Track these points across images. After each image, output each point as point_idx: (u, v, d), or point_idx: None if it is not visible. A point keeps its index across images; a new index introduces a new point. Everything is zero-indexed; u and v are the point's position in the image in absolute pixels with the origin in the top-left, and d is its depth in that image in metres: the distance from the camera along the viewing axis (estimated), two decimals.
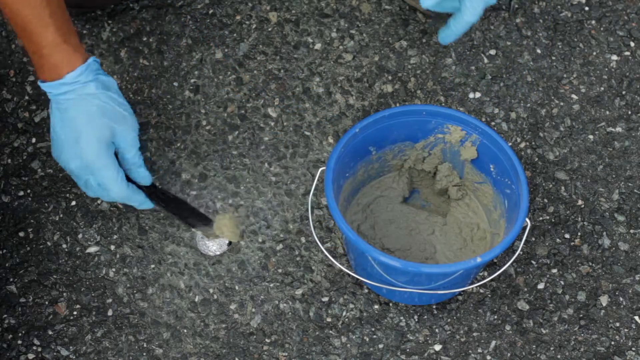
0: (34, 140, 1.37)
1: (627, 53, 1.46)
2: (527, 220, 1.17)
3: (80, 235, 1.31)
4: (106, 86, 1.22)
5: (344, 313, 1.27)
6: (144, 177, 1.26)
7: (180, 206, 1.30)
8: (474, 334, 1.26)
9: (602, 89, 1.43)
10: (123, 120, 1.22)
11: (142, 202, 1.26)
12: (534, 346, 1.25)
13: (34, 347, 1.24)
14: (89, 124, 1.19)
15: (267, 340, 1.25)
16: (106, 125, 1.20)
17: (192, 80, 1.42)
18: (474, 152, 1.25)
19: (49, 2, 1.16)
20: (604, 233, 1.32)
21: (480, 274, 1.29)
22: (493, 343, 1.25)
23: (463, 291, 1.28)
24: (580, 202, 1.34)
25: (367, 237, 1.29)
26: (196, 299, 1.27)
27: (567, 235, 1.32)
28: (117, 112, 1.22)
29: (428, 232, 1.30)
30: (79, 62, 1.19)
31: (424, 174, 1.31)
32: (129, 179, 1.25)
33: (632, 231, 1.32)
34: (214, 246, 1.29)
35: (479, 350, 1.24)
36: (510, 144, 1.38)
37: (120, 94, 1.23)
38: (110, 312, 1.26)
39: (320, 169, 1.25)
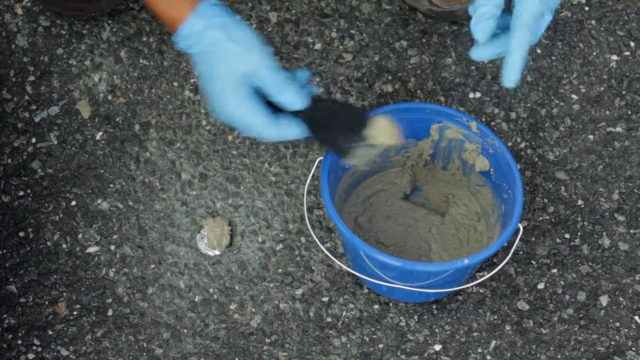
0: (34, 140, 1.37)
1: (627, 53, 1.46)
2: (520, 225, 1.17)
3: (80, 235, 1.31)
4: (223, 27, 1.09)
5: (344, 313, 1.27)
6: (294, 101, 1.11)
7: (337, 114, 1.15)
8: (474, 334, 1.26)
9: (602, 89, 1.43)
10: (250, 55, 1.09)
11: (298, 133, 1.11)
12: (534, 346, 1.25)
13: (34, 347, 1.24)
14: (217, 77, 1.09)
15: (267, 340, 1.25)
16: (236, 71, 1.09)
17: (192, 80, 1.42)
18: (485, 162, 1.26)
19: None
20: (604, 233, 1.32)
21: (480, 273, 1.29)
22: (493, 343, 1.25)
23: (463, 291, 1.28)
24: (580, 202, 1.34)
25: (364, 229, 1.29)
26: (196, 299, 1.27)
27: (567, 235, 1.32)
28: (241, 49, 1.09)
29: (425, 229, 1.30)
30: (188, 9, 1.09)
31: (427, 170, 1.32)
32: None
33: (632, 231, 1.32)
34: (213, 244, 1.30)
35: (479, 350, 1.25)
36: (510, 144, 1.38)
37: (238, 23, 1.11)
38: (110, 312, 1.26)
39: (318, 159, 1.25)
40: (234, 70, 1.09)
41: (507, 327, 1.26)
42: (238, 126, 1.11)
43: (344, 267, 1.23)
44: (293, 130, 1.11)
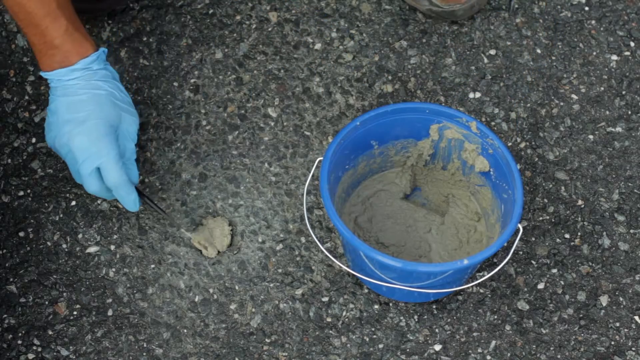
0: (34, 140, 1.37)
1: (627, 53, 1.46)
2: (520, 226, 1.18)
3: (80, 235, 1.31)
4: (114, 77, 1.25)
5: (344, 313, 1.27)
6: (135, 174, 1.27)
7: (161, 214, 1.30)
8: (474, 334, 1.26)
9: (602, 89, 1.43)
10: (128, 110, 1.24)
11: (133, 197, 1.24)
12: (534, 346, 1.25)
13: (34, 347, 1.24)
14: (99, 106, 1.21)
15: (267, 340, 1.25)
16: (115, 111, 1.22)
17: (192, 80, 1.42)
18: (484, 162, 1.25)
19: None
20: (604, 233, 1.32)
21: (480, 273, 1.29)
22: (493, 343, 1.25)
23: (463, 291, 1.28)
24: (580, 202, 1.34)
25: (364, 229, 1.29)
26: (196, 299, 1.27)
27: (567, 235, 1.32)
28: (124, 102, 1.24)
29: (425, 230, 1.30)
30: (91, 49, 1.22)
31: (427, 170, 1.32)
32: None
33: (632, 231, 1.32)
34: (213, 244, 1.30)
35: (479, 350, 1.24)
36: (510, 144, 1.38)
37: (123, 87, 1.27)
38: (110, 312, 1.26)
39: (318, 159, 1.25)
40: (115, 114, 1.22)
41: (507, 327, 1.26)
42: (86, 154, 1.19)
43: (344, 267, 1.23)
44: (131, 191, 1.23)
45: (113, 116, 1.22)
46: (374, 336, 1.25)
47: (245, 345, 1.25)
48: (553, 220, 1.33)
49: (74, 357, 1.23)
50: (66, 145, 1.21)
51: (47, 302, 1.27)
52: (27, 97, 1.40)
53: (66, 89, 1.21)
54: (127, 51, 1.44)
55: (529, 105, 1.42)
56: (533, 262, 1.30)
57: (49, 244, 1.30)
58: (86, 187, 1.23)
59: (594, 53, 1.46)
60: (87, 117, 1.20)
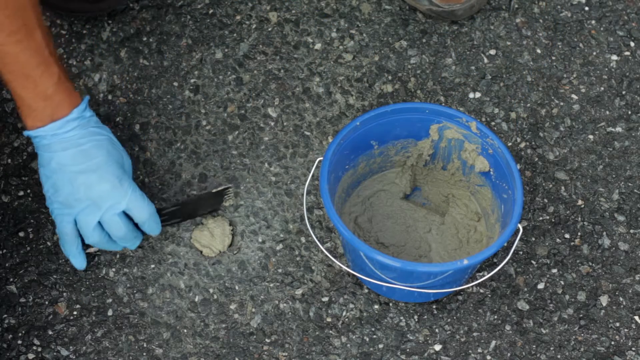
0: None
1: (627, 53, 1.46)
2: (520, 226, 1.18)
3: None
4: (100, 120, 1.22)
5: (344, 313, 1.27)
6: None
7: (187, 207, 1.29)
8: (474, 334, 1.26)
9: (602, 89, 1.43)
10: (124, 151, 1.23)
11: (160, 222, 1.24)
12: (534, 346, 1.25)
13: (34, 347, 1.24)
14: (106, 151, 1.18)
15: (267, 340, 1.25)
16: (118, 153, 1.20)
17: (192, 80, 1.42)
18: (484, 161, 1.26)
19: (47, 42, 1.13)
20: (604, 233, 1.32)
21: (480, 273, 1.29)
22: (493, 343, 1.25)
23: (463, 291, 1.28)
24: (580, 202, 1.34)
25: (364, 229, 1.29)
26: (196, 299, 1.27)
27: (567, 235, 1.32)
28: (119, 143, 1.23)
29: (425, 230, 1.30)
30: (79, 98, 1.18)
31: (427, 170, 1.32)
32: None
33: (632, 231, 1.32)
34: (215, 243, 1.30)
35: (479, 350, 1.25)
36: (510, 144, 1.38)
37: None
38: (110, 312, 1.26)
39: (318, 159, 1.25)
40: (119, 155, 1.20)
41: (507, 327, 1.26)
42: (112, 200, 1.17)
43: (344, 267, 1.23)
44: (158, 217, 1.24)
45: (119, 158, 1.20)
46: (374, 336, 1.25)
47: (245, 345, 1.25)
48: (553, 220, 1.33)
49: (74, 357, 1.23)
50: (85, 196, 1.16)
51: (47, 302, 1.27)
52: None
53: (65, 142, 1.16)
54: (127, 51, 1.44)
55: (529, 105, 1.42)
56: (533, 262, 1.30)
57: (49, 244, 1.30)
58: (114, 232, 1.19)
59: (594, 53, 1.46)
60: (99, 164, 1.16)
